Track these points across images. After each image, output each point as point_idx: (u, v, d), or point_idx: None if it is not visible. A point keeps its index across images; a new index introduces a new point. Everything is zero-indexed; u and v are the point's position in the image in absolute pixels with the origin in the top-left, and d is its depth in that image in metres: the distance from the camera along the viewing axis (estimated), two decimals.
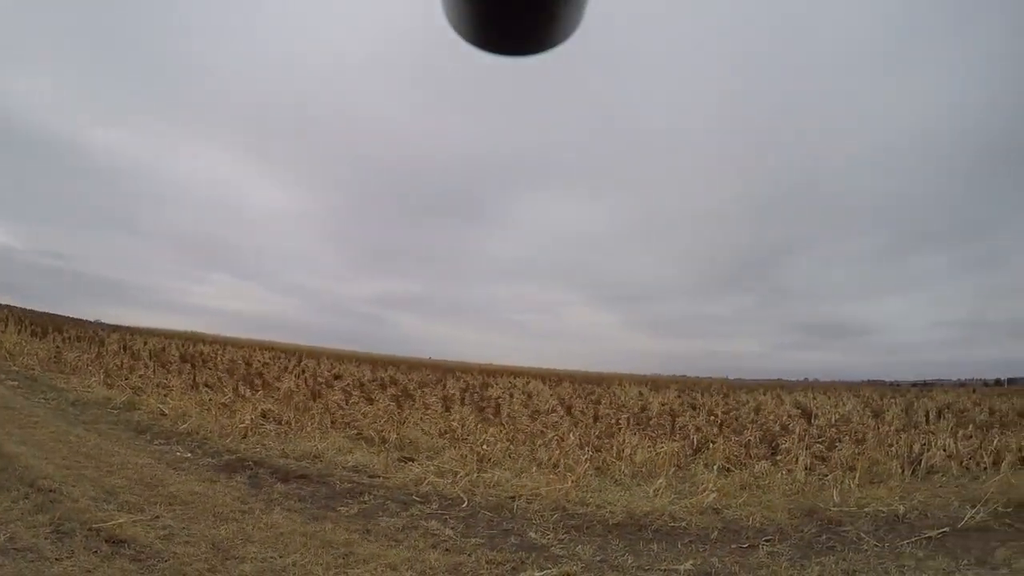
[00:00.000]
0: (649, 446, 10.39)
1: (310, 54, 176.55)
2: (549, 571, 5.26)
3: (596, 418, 14.00)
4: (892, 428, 13.61)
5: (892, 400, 22.82)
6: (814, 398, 25.08)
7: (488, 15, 0.75)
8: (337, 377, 22.12)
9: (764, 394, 25.94)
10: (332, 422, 11.68)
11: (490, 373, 36.86)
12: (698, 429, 12.28)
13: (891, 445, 11.00)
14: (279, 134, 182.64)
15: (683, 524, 6.78)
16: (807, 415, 14.15)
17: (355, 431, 11.10)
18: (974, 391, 33.74)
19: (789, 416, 15.01)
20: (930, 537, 6.70)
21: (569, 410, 15.03)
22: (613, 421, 13.99)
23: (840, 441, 11.33)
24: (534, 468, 8.96)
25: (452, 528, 6.37)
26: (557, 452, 9.55)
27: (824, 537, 6.61)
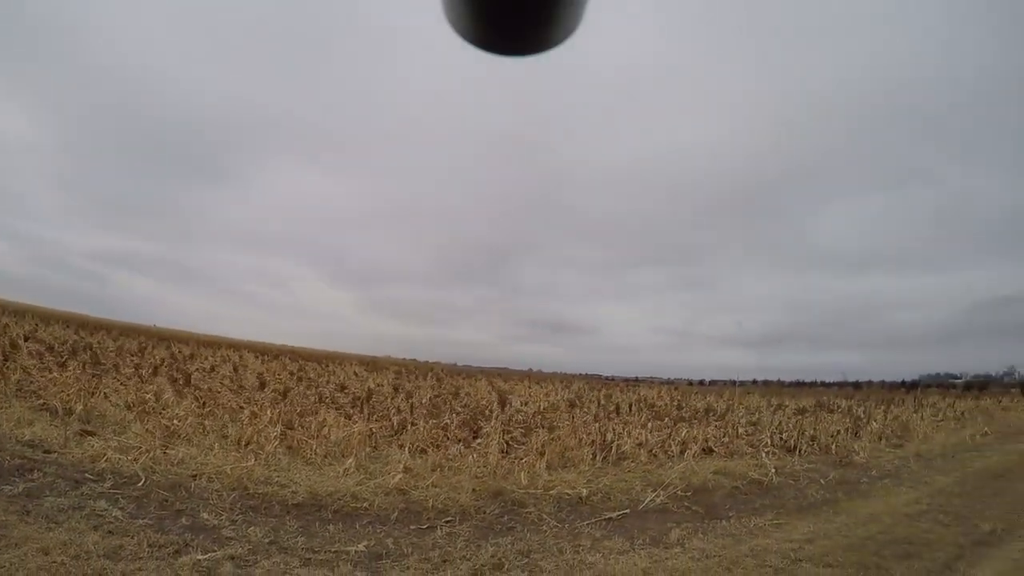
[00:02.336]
0: (345, 425, 10.16)
1: None
2: (214, 554, 4.87)
3: (284, 394, 13.46)
4: (590, 417, 14.38)
5: (599, 392, 24.45)
6: (529, 387, 26.21)
7: (488, 15, 0.73)
8: (27, 339, 19.29)
9: (480, 381, 26.67)
10: (18, 390, 10.39)
11: (209, 344, 35.08)
12: (399, 411, 12.23)
13: (587, 433, 11.48)
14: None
15: (365, 505, 6.63)
16: (504, 401, 14.61)
17: (40, 401, 9.86)
18: (675, 388, 37.25)
19: (491, 402, 15.43)
20: (610, 518, 7.06)
21: (263, 386, 14.31)
22: (313, 399, 13.63)
23: (539, 428, 11.72)
24: (221, 445, 8.40)
25: (122, 509, 5.75)
26: (249, 429, 9.04)
27: (506, 518, 6.72)
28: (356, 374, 26.26)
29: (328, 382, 19.24)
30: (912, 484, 10.54)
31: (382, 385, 19.80)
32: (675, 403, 20.69)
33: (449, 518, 6.48)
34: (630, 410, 16.19)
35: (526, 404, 15.82)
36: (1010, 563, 6.13)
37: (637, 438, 11.89)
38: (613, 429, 12.24)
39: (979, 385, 74.46)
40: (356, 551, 5.24)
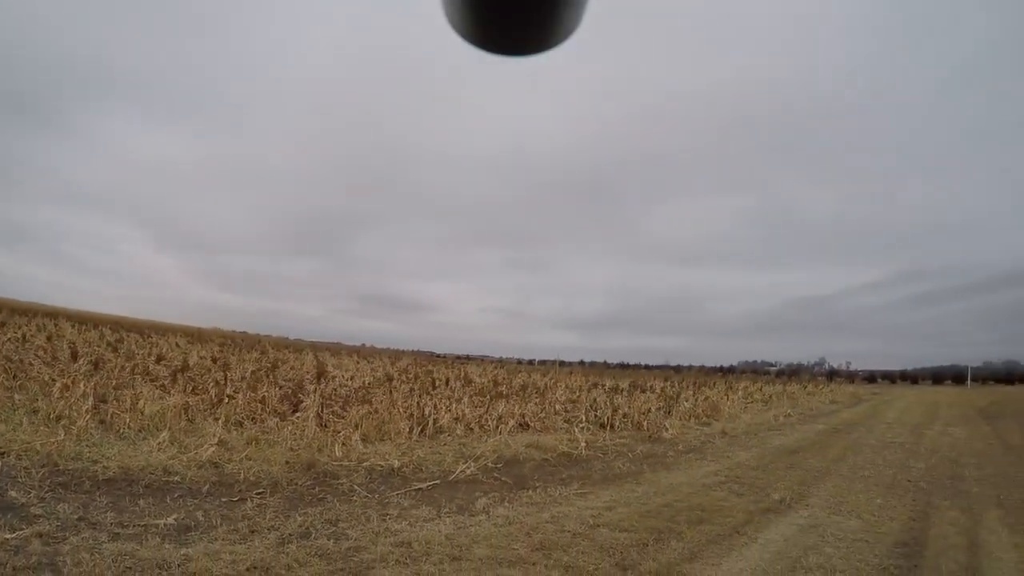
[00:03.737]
0: (161, 398, 10.03)
1: None
2: (22, 532, 4.83)
3: (97, 365, 12.98)
4: (410, 391, 14.60)
5: (425, 368, 24.40)
6: (357, 362, 25.92)
7: (488, 15, 0.73)
8: None
9: (307, 355, 26.18)
10: None
11: (23, 312, 32.23)
12: (218, 383, 12.11)
13: (406, 407, 11.73)
14: None
15: (177, 479, 6.67)
16: (321, 375, 14.72)
17: None
18: (503, 366, 38.21)
19: (312, 375, 15.48)
20: (420, 489, 7.41)
21: (75, 357, 13.75)
22: (130, 371, 13.19)
23: (359, 402, 11.80)
24: (31, 421, 8.17)
25: None
26: (61, 403, 8.80)
27: (317, 489, 6.95)
28: (177, 345, 25.14)
29: (150, 354, 18.48)
30: (714, 458, 11.33)
31: (204, 358, 19.24)
32: (496, 380, 21.35)
33: (260, 490, 6.60)
34: (447, 385, 16.63)
35: (352, 379, 15.94)
36: (794, 527, 6.67)
37: (455, 413, 12.30)
38: (432, 404, 12.48)
39: (790, 372, 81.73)
40: (165, 524, 5.27)
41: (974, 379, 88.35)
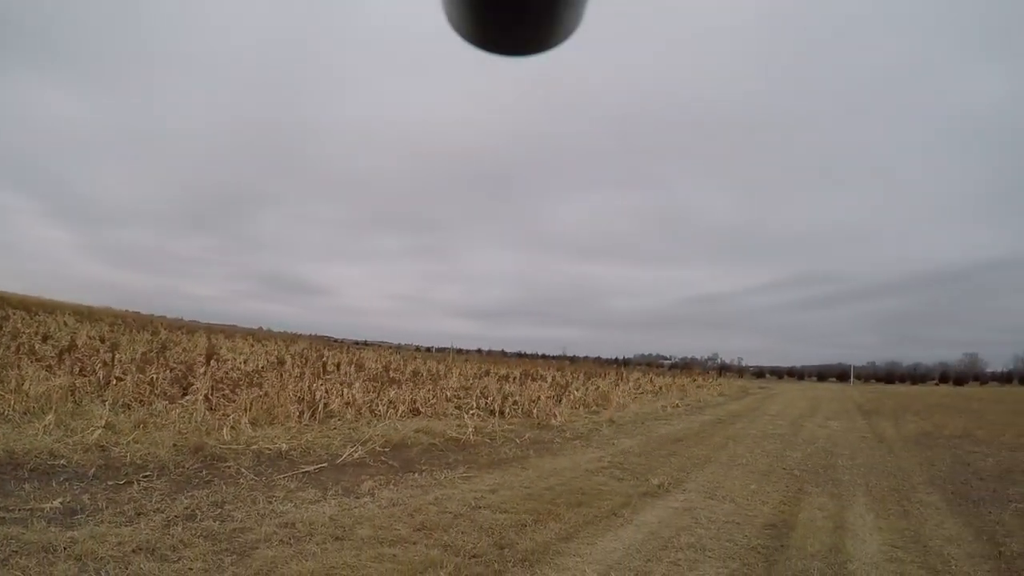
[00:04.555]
0: (47, 379, 9.81)
1: None
2: None
3: None
4: (300, 374, 14.77)
5: (320, 353, 24.52)
6: (252, 345, 25.74)
7: (488, 15, 0.73)
8: None
9: (200, 337, 25.59)
10: None
11: None
12: (106, 364, 11.90)
13: (297, 391, 11.88)
14: None
15: (63, 462, 6.63)
16: (210, 357, 14.66)
17: None
18: (399, 353, 38.41)
19: (203, 358, 15.33)
20: (307, 472, 7.55)
21: None
22: (13, 351, 12.80)
23: (250, 385, 11.90)
24: None
25: None
26: None
27: (204, 472, 7.00)
28: (66, 324, 24.15)
29: (36, 333, 17.81)
30: (599, 445, 11.66)
31: (93, 338, 18.63)
32: (388, 366, 21.49)
33: (147, 473, 6.61)
34: (339, 370, 16.70)
35: (245, 362, 15.87)
36: (670, 510, 6.95)
37: (346, 398, 12.45)
38: (324, 388, 12.59)
39: (683, 366, 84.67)
40: (51, 508, 5.26)
41: (857, 377, 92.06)
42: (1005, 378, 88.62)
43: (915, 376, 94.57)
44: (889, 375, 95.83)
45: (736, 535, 6.14)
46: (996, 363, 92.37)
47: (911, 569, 5.47)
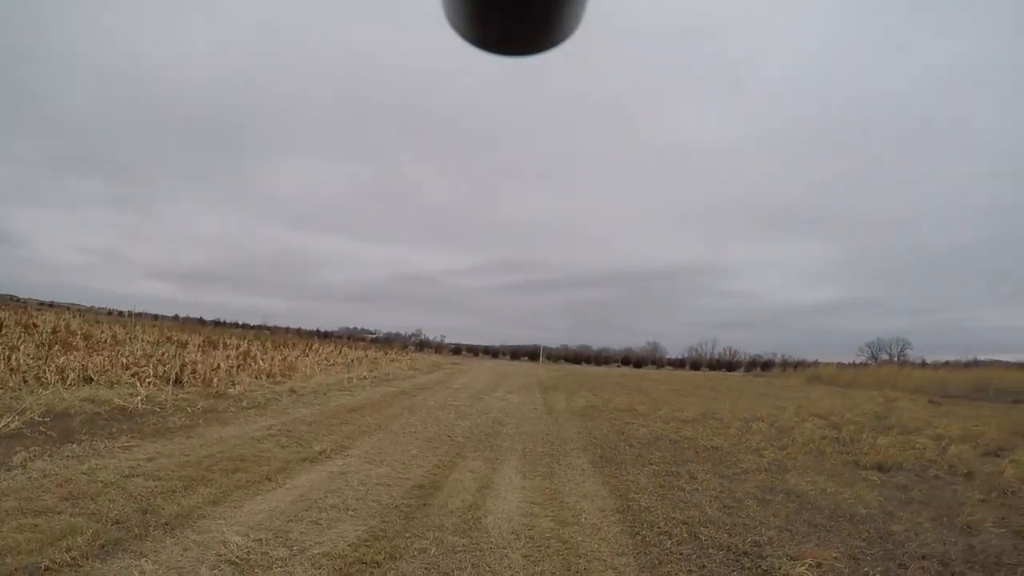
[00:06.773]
0: None
1: None
2: None
3: None
4: None
5: None
6: None
7: (488, 15, 0.73)
8: None
9: None
10: None
11: None
12: None
13: None
14: None
15: None
16: None
17: None
18: (84, 316, 35.29)
19: None
20: None
21: None
22: None
23: None
24: None
25: None
26: None
27: None
28: None
29: None
30: (274, 415, 11.66)
31: None
32: (67, 328, 20.47)
33: None
34: (2, 331, 15.66)
35: None
36: (324, 474, 7.13)
37: (11, 364, 11.93)
38: None
39: (386, 341, 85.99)
40: None
41: (548, 357, 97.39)
42: (679, 363, 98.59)
43: (600, 358, 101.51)
44: (578, 356, 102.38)
45: (383, 496, 6.45)
46: (673, 351, 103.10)
47: (542, 522, 5.92)
